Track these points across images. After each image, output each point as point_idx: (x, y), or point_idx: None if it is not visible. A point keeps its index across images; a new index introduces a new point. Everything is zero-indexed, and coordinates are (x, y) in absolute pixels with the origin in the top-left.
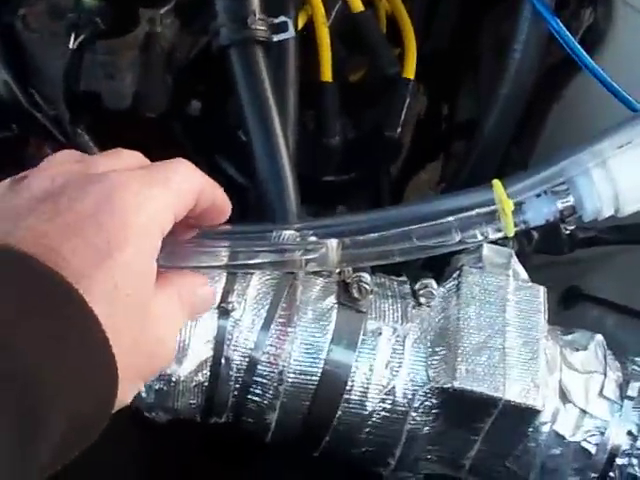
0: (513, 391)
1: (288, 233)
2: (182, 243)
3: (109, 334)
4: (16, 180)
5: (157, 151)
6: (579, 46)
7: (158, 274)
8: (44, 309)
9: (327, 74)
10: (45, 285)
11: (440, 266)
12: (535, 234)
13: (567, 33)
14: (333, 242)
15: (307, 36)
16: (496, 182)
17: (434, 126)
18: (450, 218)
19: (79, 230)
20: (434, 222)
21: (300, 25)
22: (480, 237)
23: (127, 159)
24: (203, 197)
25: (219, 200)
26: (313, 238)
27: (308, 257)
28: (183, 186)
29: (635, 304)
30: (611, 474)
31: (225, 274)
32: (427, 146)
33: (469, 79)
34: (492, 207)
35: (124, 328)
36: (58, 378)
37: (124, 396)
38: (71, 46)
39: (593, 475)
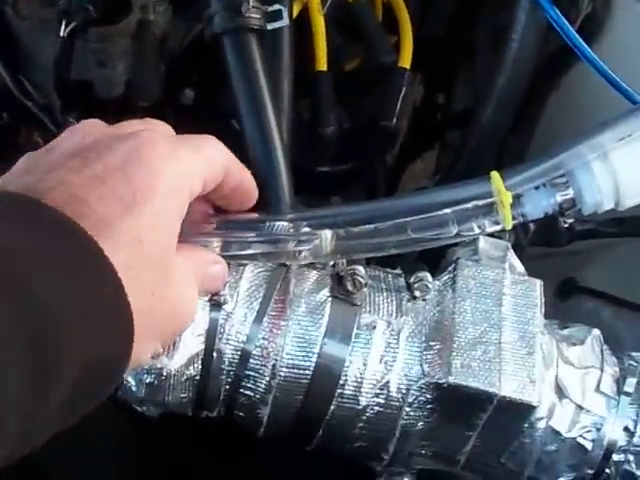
0: (509, 387)
1: (281, 224)
2: None
3: (129, 286)
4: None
5: None
6: (577, 36)
7: None
8: (60, 258)
9: (322, 63)
10: (63, 234)
11: (436, 259)
12: (532, 226)
13: (565, 22)
14: (327, 233)
15: (302, 24)
16: (494, 174)
17: (430, 115)
18: (447, 210)
19: (107, 180)
20: (430, 214)
21: (295, 13)
22: (477, 230)
23: (156, 124)
24: (231, 176)
25: (247, 182)
26: (306, 229)
27: (301, 248)
28: (213, 157)
29: (631, 296)
30: (607, 470)
31: None
32: (423, 135)
33: (466, 68)
34: (490, 199)
35: (145, 281)
36: (72, 323)
37: (140, 354)
38: (62, 34)
39: (589, 471)
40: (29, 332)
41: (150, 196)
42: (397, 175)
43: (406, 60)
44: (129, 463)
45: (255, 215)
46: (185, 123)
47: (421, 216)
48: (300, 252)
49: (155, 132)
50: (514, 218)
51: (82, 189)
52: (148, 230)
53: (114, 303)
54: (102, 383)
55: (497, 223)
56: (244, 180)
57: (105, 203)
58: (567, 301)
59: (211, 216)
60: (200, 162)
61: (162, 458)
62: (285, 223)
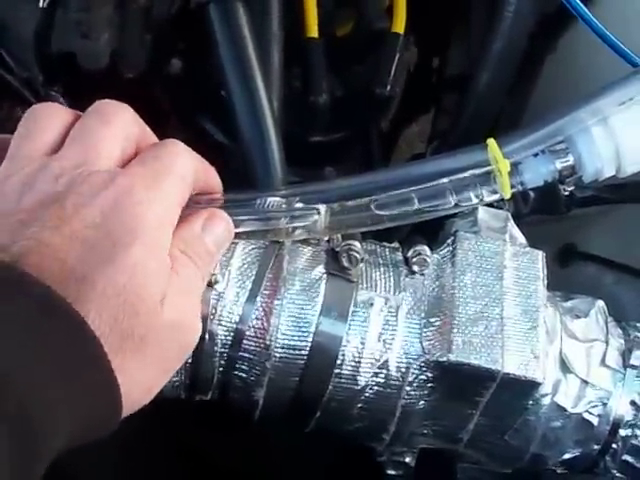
0: (512, 363)
1: (273, 200)
2: None
3: (115, 344)
4: (9, 175)
5: (137, 113)
6: None
7: None
8: (40, 332)
9: (313, 30)
10: (43, 306)
11: (432, 229)
12: (531, 194)
13: None
14: (321, 208)
15: None
16: (491, 141)
17: (425, 78)
18: (444, 180)
19: (86, 240)
20: (426, 185)
21: None
22: (475, 200)
23: (121, 126)
24: (197, 178)
25: (212, 180)
26: (299, 204)
27: (295, 224)
28: (184, 170)
29: (632, 262)
30: (614, 445)
31: None
32: (418, 99)
33: (460, 30)
34: (487, 168)
35: (133, 334)
36: (54, 402)
37: (145, 397)
38: (41, 4)
39: (595, 447)
40: (9, 415)
41: (130, 243)
42: (392, 139)
43: (399, 25)
44: (123, 437)
45: (245, 191)
46: (173, 93)
47: (417, 187)
48: (294, 229)
49: (128, 172)
50: (513, 187)
51: (61, 250)
52: (131, 279)
53: (100, 377)
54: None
55: (495, 192)
56: (209, 179)
57: (86, 263)
58: (567, 267)
59: (197, 194)
60: (176, 185)
61: (158, 432)
62: (277, 199)
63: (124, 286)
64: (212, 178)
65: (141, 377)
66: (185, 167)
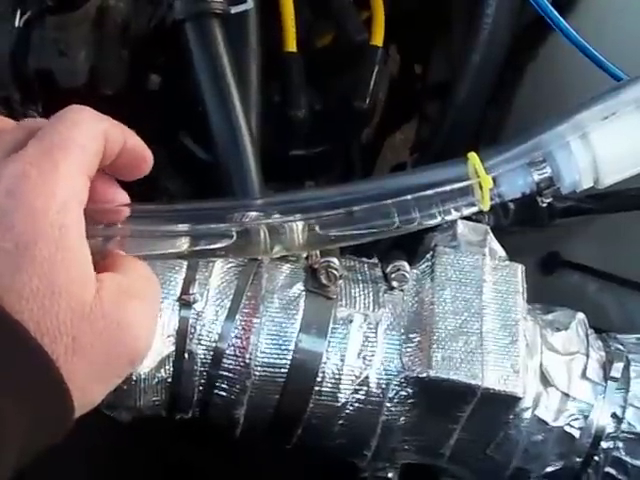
0: (492, 378)
1: (251, 214)
2: (133, 227)
3: (46, 341)
4: None
5: None
6: (551, 7)
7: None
8: None
9: (291, 44)
10: None
11: (412, 244)
12: (512, 205)
13: None
14: (298, 224)
15: (270, 4)
16: (472, 155)
17: (408, 87)
18: (424, 193)
19: None
20: (406, 197)
21: None
22: (454, 213)
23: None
24: (111, 141)
25: (132, 142)
26: (277, 215)
27: (273, 239)
28: (85, 137)
29: (615, 270)
30: (596, 458)
31: (185, 263)
32: (401, 107)
33: (442, 39)
34: (467, 182)
35: (62, 328)
36: (8, 421)
37: (84, 401)
38: (17, 24)
39: (577, 459)
40: None
41: (34, 240)
42: (377, 148)
43: (378, 38)
44: (107, 451)
45: (223, 201)
46: (153, 110)
47: (396, 199)
48: (272, 247)
49: (19, 158)
50: (490, 199)
51: None
52: (43, 280)
53: (39, 370)
54: (49, 441)
55: (473, 205)
56: (128, 140)
57: None
58: (551, 275)
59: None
60: (75, 159)
61: (144, 449)
62: (254, 213)
63: (38, 289)
64: (133, 140)
65: (79, 381)
66: (86, 134)
